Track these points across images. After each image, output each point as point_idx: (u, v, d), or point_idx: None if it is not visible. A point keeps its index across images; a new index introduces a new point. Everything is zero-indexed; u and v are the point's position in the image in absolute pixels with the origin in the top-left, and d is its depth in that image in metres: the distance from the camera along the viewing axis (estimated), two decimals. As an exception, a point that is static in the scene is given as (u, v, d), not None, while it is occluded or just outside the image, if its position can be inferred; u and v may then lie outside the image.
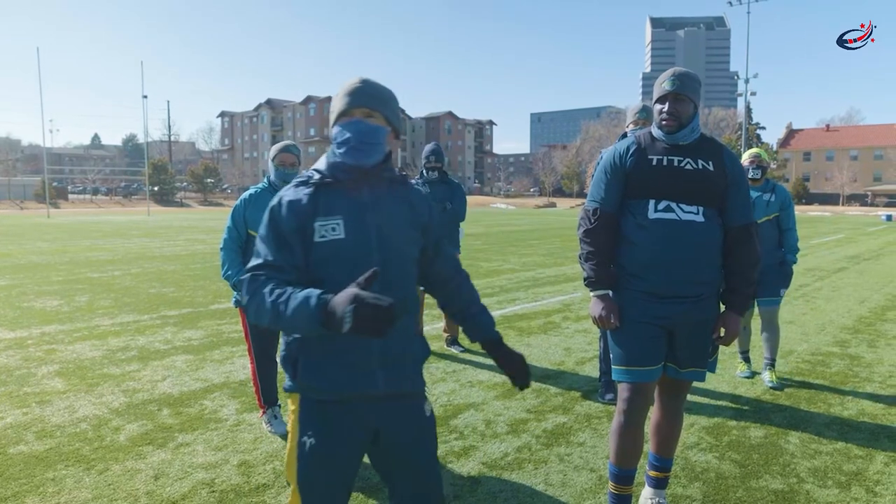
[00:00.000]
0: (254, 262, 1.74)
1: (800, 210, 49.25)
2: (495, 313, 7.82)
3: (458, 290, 2.01)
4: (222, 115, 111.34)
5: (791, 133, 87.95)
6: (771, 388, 4.82)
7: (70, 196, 70.26)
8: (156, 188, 68.71)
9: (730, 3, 52.19)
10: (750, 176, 4.82)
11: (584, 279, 2.72)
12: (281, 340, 1.86)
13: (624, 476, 2.72)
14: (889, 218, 38.78)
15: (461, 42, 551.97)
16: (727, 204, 2.60)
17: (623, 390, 2.65)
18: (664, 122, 2.59)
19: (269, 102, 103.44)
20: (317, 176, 1.79)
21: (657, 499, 2.93)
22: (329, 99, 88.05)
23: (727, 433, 3.92)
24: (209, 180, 76.56)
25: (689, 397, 4.21)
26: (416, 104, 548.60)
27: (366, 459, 1.88)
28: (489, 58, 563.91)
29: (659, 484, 2.94)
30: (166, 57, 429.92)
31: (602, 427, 4.01)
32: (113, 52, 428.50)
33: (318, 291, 1.57)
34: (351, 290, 1.51)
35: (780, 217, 4.86)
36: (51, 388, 4.76)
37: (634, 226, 2.59)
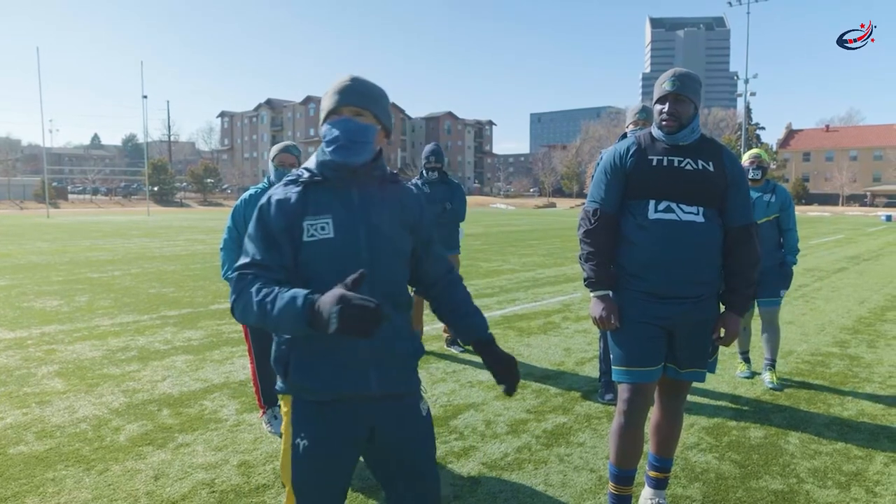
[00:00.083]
0: (242, 260, 1.72)
1: (799, 210, 49.24)
2: (495, 313, 7.82)
3: (448, 292, 1.96)
4: (222, 115, 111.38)
5: (791, 133, 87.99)
6: (771, 388, 4.82)
7: (70, 196, 70.29)
8: (155, 188, 68.74)
9: (730, 3, 52.18)
10: (750, 176, 4.82)
11: (584, 280, 2.72)
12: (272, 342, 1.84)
13: (624, 476, 2.73)
14: (888, 218, 38.79)
15: (461, 42, 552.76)
16: (727, 204, 2.61)
17: (623, 391, 2.65)
18: (664, 123, 2.59)
19: (268, 102, 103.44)
20: (306, 175, 1.78)
21: (657, 499, 2.93)
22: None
23: (727, 433, 3.92)
24: (209, 180, 76.57)
25: (689, 398, 4.21)
26: (415, 104, 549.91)
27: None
28: (489, 58, 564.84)
29: (659, 484, 2.95)
30: (166, 57, 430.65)
31: (602, 427, 4.01)
32: (113, 52, 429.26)
33: (304, 291, 1.56)
34: (337, 291, 1.50)
35: (781, 218, 4.86)
36: (51, 388, 4.76)
37: (634, 226, 2.59)
